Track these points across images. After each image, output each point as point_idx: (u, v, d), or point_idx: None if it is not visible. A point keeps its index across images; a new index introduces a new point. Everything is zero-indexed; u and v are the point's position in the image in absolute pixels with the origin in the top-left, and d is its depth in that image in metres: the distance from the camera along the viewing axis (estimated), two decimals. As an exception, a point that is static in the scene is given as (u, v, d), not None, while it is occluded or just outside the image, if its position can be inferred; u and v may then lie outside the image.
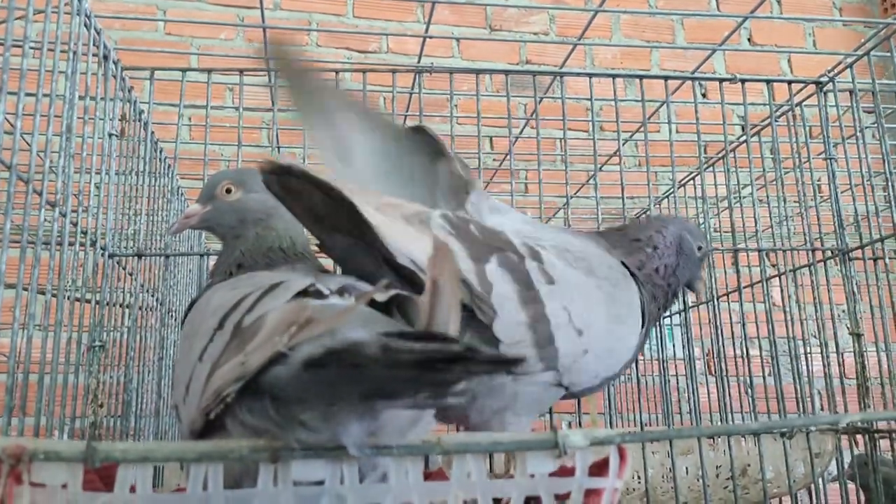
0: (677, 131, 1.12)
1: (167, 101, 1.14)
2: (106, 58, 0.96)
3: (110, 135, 0.96)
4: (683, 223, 0.86)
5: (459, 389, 0.36)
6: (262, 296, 0.52)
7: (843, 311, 1.08)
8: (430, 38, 1.17)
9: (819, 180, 1.19)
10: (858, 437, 1.05)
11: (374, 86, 1.57)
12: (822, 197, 1.30)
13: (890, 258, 1.07)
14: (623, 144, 1.11)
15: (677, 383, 1.69)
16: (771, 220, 1.39)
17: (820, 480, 1.10)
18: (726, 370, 1.13)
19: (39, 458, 0.38)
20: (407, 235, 0.61)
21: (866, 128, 1.12)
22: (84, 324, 0.88)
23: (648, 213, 1.44)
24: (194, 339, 0.54)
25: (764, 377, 1.44)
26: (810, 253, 1.08)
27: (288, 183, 0.56)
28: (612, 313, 0.71)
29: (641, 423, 1.17)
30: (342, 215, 0.58)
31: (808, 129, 1.17)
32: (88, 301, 0.89)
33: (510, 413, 0.66)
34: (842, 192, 1.13)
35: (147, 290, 1.19)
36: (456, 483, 0.42)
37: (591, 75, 1.08)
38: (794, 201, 1.34)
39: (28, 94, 0.72)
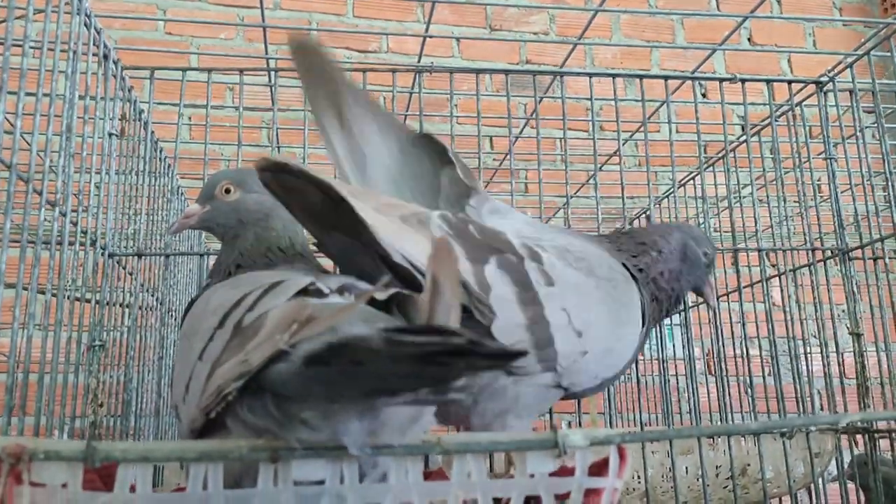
0: (677, 131, 1.12)
1: (167, 101, 1.14)
2: (106, 57, 0.96)
3: (110, 134, 0.96)
4: (689, 230, 0.86)
5: (460, 385, 0.36)
6: (262, 294, 0.52)
7: (843, 311, 1.08)
8: (430, 37, 1.17)
9: (819, 180, 1.19)
10: (858, 436, 1.05)
11: (374, 85, 1.57)
12: (822, 197, 1.30)
13: (890, 258, 1.07)
14: (623, 144, 1.11)
15: (677, 383, 1.69)
16: (771, 220, 1.39)
17: (820, 480, 1.10)
18: (726, 370, 1.13)
19: (39, 458, 0.38)
20: (403, 235, 0.61)
21: (866, 128, 1.12)
22: (84, 323, 0.88)
23: (649, 212, 1.44)
24: (194, 339, 0.54)
25: (764, 377, 1.44)
26: (810, 253, 1.08)
27: (285, 181, 0.56)
28: (611, 314, 0.71)
29: (641, 422, 1.17)
30: (339, 214, 0.58)
31: (808, 128, 1.17)
32: (88, 300, 0.89)
33: (511, 415, 0.66)
34: (842, 192, 1.13)
35: (147, 290, 1.19)
36: (456, 483, 0.42)
37: (591, 75, 1.08)
38: (794, 201, 1.34)
39: (28, 94, 0.72)
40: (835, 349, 1.05)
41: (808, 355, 1.09)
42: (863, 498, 1.26)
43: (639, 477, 1.11)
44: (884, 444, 1.04)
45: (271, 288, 0.53)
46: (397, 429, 0.42)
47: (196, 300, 0.65)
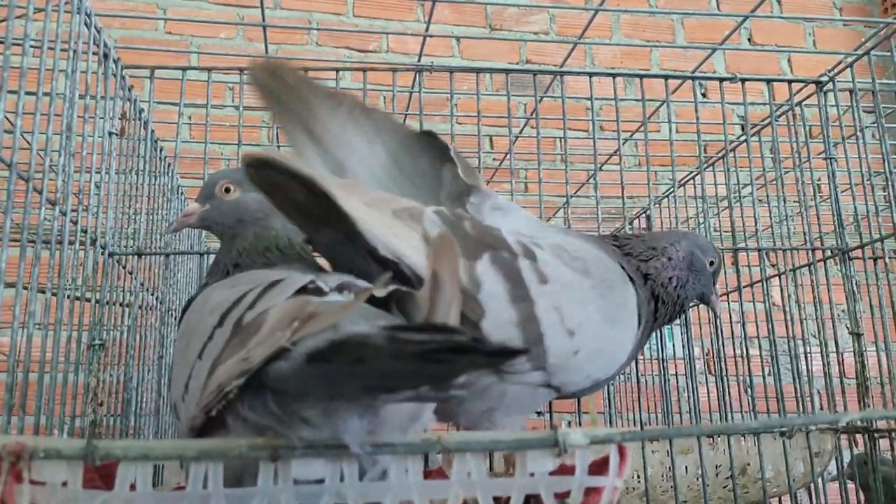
0: (677, 131, 1.12)
1: (167, 100, 1.14)
2: (106, 56, 0.96)
3: (110, 133, 0.95)
4: (695, 238, 0.86)
5: (461, 383, 0.36)
6: (262, 293, 0.52)
7: (843, 311, 1.08)
8: (431, 37, 1.17)
9: (819, 180, 1.19)
10: (858, 436, 1.05)
11: (375, 85, 1.57)
12: (821, 196, 1.30)
13: (890, 258, 1.07)
14: (623, 144, 1.11)
15: (677, 383, 1.69)
16: (771, 219, 1.39)
17: (819, 480, 1.10)
18: (726, 370, 1.13)
19: (40, 456, 0.38)
20: (392, 230, 0.60)
21: (866, 127, 1.12)
22: (84, 322, 0.88)
23: (648, 212, 1.44)
24: (192, 338, 0.54)
25: (764, 377, 1.44)
26: (810, 252, 1.08)
27: (272, 177, 0.56)
28: (606, 315, 0.71)
29: (641, 422, 1.17)
30: (325, 209, 0.57)
31: (808, 128, 1.17)
32: (88, 300, 0.89)
33: (499, 414, 0.66)
34: (842, 192, 1.13)
35: (147, 289, 1.19)
36: (456, 481, 0.42)
37: (591, 75, 1.08)
38: (794, 201, 1.34)
39: (28, 93, 0.72)
40: (835, 349, 1.05)
41: (808, 355, 1.09)
42: (862, 497, 1.26)
43: (639, 476, 1.11)
44: (883, 443, 1.04)
45: (271, 286, 0.53)
46: (397, 427, 0.42)
47: (194, 299, 0.65)
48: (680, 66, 2.21)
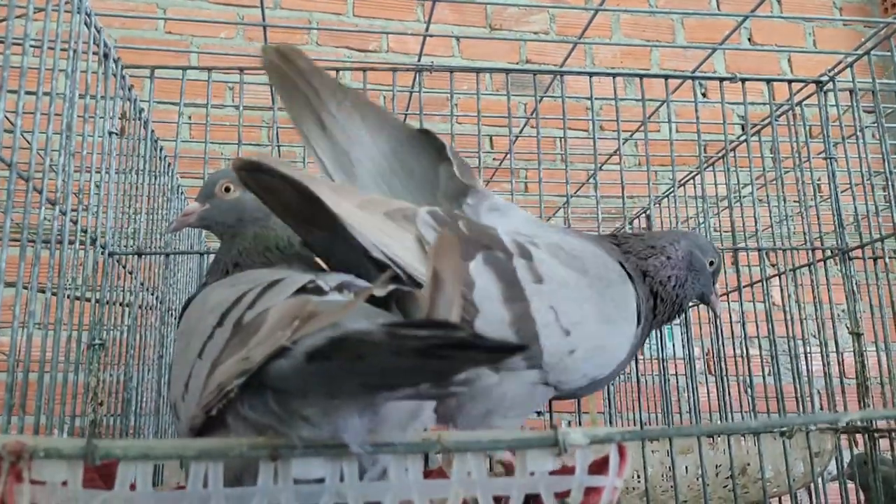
0: (677, 131, 1.12)
1: (167, 100, 1.14)
2: (106, 56, 0.96)
3: (110, 133, 0.96)
4: (695, 238, 0.86)
5: (461, 379, 0.36)
6: (262, 292, 0.52)
7: (843, 311, 1.08)
8: (431, 36, 1.17)
9: (819, 180, 1.19)
10: (858, 436, 1.05)
11: (375, 84, 1.57)
12: (821, 196, 1.30)
13: (890, 258, 1.07)
14: (623, 144, 1.11)
15: (677, 383, 1.69)
16: (771, 219, 1.39)
17: (819, 480, 1.10)
18: (726, 370, 1.13)
19: (40, 456, 0.38)
20: (384, 231, 0.60)
21: (866, 127, 1.12)
22: (84, 322, 0.88)
23: (648, 212, 1.44)
24: (192, 337, 0.54)
25: (764, 377, 1.44)
26: (810, 252, 1.08)
27: (263, 180, 0.56)
28: (603, 313, 0.70)
29: (641, 422, 1.17)
30: (316, 211, 0.57)
31: (808, 128, 1.17)
32: (88, 299, 0.89)
33: (497, 416, 0.66)
34: (842, 192, 1.13)
35: (147, 289, 1.19)
36: (456, 481, 0.42)
37: (591, 74, 1.08)
38: (794, 201, 1.34)
39: (28, 93, 0.72)
40: (835, 349, 1.05)
41: (808, 355, 1.09)
42: (862, 497, 1.26)
43: (639, 476, 1.11)
44: (883, 443, 1.04)
45: (271, 286, 0.53)
46: (397, 425, 0.42)
47: (193, 299, 0.65)
48: (680, 66, 2.21)
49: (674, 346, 1.60)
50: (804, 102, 1.16)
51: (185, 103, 1.03)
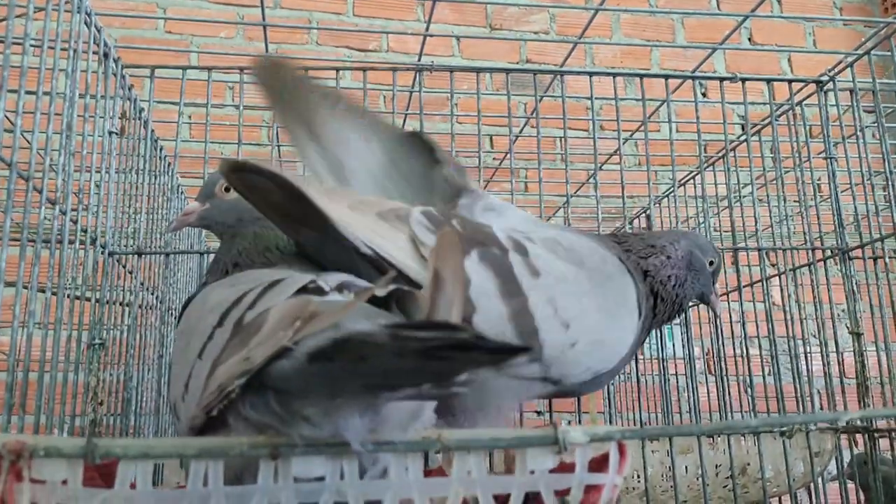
0: (677, 130, 1.12)
1: (167, 99, 1.14)
2: (106, 56, 0.96)
3: (110, 133, 0.96)
4: (695, 238, 0.86)
5: (462, 380, 0.36)
6: (262, 292, 0.52)
7: (843, 311, 1.08)
8: (431, 36, 1.17)
9: (819, 180, 1.19)
10: (858, 436, 1.05)
11: (375, 84, 1.57)
12: (822, 196, 1.30)
13: (890, 257, 1.07)
14: (623, 143, 1.11)
15: (677, 382, 1.69)
16: (771, 219, 1.39)
17: (819, 479, 1.10)
18: (726, 369, 1.13)
19: (40, 455, 0.38)
20: (376, 231, 0.60)
21: (866, 127, 1.12)
22: (84, 322, 0.88)
23: (648, 212, 1.44)
24: (192, 337, 0.54)
25: (764, 376, 1.44)
26: (810, 252, 1.08)
27: (251, 181, 0.56)
28: (603, 306, 0.70)
29: (641, 422, 1.17)
30: (305, 211, 0.57)
31: (808, 128, 1.17)
32: (88, 299, 0.89)
33: (497, 409, 0.66)
34: (842, 192, 1.13)
35: (147, 289, 1.19)
36: (456, 479, 0.42)
37: (591, 74, 1.08)
38: (794, 201, 1.34)
39: (28, 92, 0.72)
40: (835, 349, 1.05)
41: (808, 355, 1.09)
42: (862, 497, 1.26)
43: (638, 476, 1.11)
44: (883, 443, 1.04)
45: (271, 286, 0.53)
46: (398, 425, 0.42)
47: (192, 299, 0.65)
48: (680, 66, 2.21)
49: (674, 346, 1.60)
50: (804, 102, 1.16)
51: (185, 103, 1.04)
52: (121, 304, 1.03)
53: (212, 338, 0.51)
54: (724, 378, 1.14)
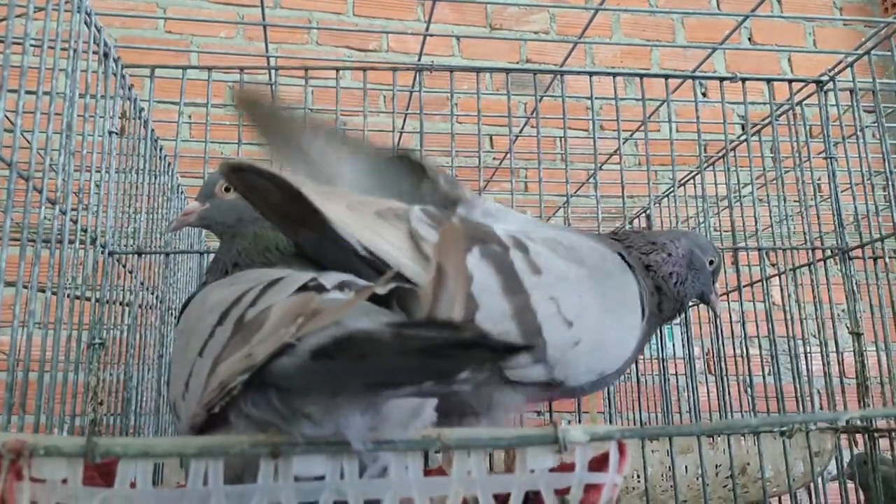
0: (677, 130, 1.12)
1: (167, 99, 1.14)
2: (106, 55, 0.96)
3: (110, 133, 0.96)
4: (695, 237, 0.86)
5: (464, 378, 0.36)
6: (263, 290, 0.52)
7: (843, 311, 1.08)
8: (431, 36, 1.17)
9: (819, 179, 1.19)
10: (858, 436, 1.05)
11: (375, 84, 1.57)
12: (822, 196, 1.30)
13: (890, 257, 1.07)
14: (623, 143, 1.11)
15: (677, 382, 1.69)
16: (771, 219, 1.39)
17: (819, 479, 1.10)
18: (726, 369, 1.13)
19: (40, 454, 0.38)
20: (374, 230, 0.60)
21: (867, 127, 1.12)
22: (84, 321, 0.88)
23: (648, 212, 1.44)
24: (192, 336, 0.54)
25: (763, 376, 1.44)
26: (810, 252, 1.08)
27: (250, 181, 0.56)
28: (605, 304, 0.69)
29: (641, 422, 1.17)
30: (303, 212, 0.57)
31: (808, 128, 1.17)
32: (88, 299, 0.89)
33: (502, 411, 0.65)
34: (842, 192, 1.13)
35: (147, 288, 1.19)
36: (456, 478, 0.42)
37: (591, 74, 1.08)
38: (795, 200, 1.34)
39: (28, 92, 0.72)
40: (835, 348, 1.05)
41: (808, 355, 1.09)
42: (862, 497, 1.26)
43: (638, 476, 1.11)
44: (883, 443, 1.04)
45: (272, 284, 0.53)
46: (399, 423, 0.42)
47: (192, 298, 0.65)
48: (680, 66, 2.21)
49: (674, 345, 1.60)
50: (804, 102, 1.16)
51: (186, 103, 1.04)
52: (121, 303, 1.03)
53: (213, 336, 0.51)
54: (724, 378, 1.14)
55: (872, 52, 1.07)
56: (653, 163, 1.07)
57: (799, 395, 1.04)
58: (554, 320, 0.64)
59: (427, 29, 1.13)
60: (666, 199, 1.59)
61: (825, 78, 1.13)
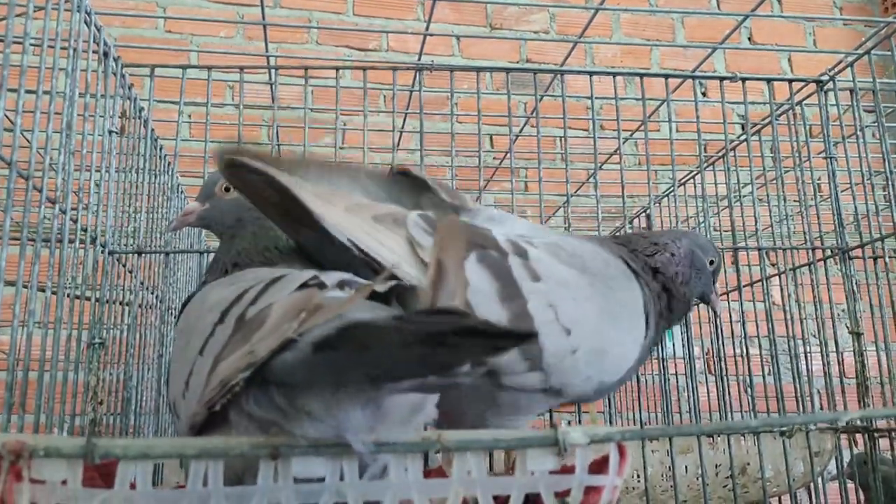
0: (677, 130, 1.12)
1: (167, 99, 1.14)
2: (106, 55, 0.96)
3: (110, 132, 0.95)
4: (695, 237, 0.85)
5: (465, 371, 0.36)
6: (265, 289, 0.52)
7: (843, 311, 1.08)
8: (431, 35, 1.17)
9: (819, 179, 1.19)
10: (858, 436, 1.05)
11: (375, 83, 1.57)
12: (822, 196, 1.30)
13: (890, 257, 1.07)
14: (623, 143, 1.11)
15: (677, 382, 1.69)
16: (771, 218, 1.39)
17: (819, 479, 1.10)
18: (726, 369, 1.13)
19: (39, 455, 0.38)
20: (371, 234, 0.59)
21: (866, 127, 1.12)
22: (84, 321, 0.88)
23: (648, 211, 1.44)
24: (192, 335, 0.54)
25: (763, 376, 1.44)
26: (810, 252, 1.08)
27: (247, 178, 0.55)
28: (606, 312, 0.68)
29: (641, 422, 1.17)
30: (300, 211, 0.57)
31: (808, 127, 1.18)
32: (88, 298, 0.89)
33: (496, 420, 0.65)
34: (842, 191, 1.13)
35: (147, 288, 1.19)
36: (456, 480, 0.42)
37: (591, 74, 1.08)
38: (794, 200, 1.34)
39: (28, 91, 0.72)
40: (835, 348, 1.05)
41: (808, 354, 1.09)
42: (862, 497, 1.26)
43: (638, 476, 1.11)
44: (883, 443, 1.04)
45: (273, 282, 0.53)
46: (399, 420, 0.42)
47: (192, 298, 0.65)
48: (680, 66, 2.21)
49: (674, 345, 1.60)
50: (804, 102, 1.16)
51: (185, 102, 1.04)
52: (121, 303, 1.03)
53: (213, 334, 0.51)
54: (724, 378, 1.14)
55: (872, 51, 1.07)
56: (653, 162, 1.07)
57: (799, 395, 1.04)
58: (551, 327, 0.63)
59: (427, 28, 1.13)
60: (666, 198, 1.59)
61: (825, 78, 1.13)
